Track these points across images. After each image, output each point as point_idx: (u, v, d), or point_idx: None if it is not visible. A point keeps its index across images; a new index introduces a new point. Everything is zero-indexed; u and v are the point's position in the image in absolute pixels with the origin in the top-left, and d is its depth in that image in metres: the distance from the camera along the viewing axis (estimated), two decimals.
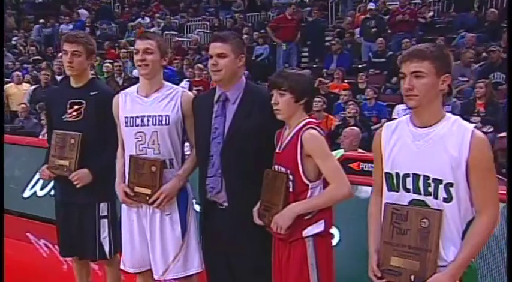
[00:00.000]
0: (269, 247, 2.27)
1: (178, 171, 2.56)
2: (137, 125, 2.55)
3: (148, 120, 2.54)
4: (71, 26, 15.28)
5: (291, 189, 2.16)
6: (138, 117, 2.56)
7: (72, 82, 2.90)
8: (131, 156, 2.57)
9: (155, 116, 2.54)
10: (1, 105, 2.53)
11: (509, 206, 1.86)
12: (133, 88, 2.67)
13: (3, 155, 2.67)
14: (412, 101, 1.85)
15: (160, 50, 2.55)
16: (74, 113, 2.81)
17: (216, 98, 2.40)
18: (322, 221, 2.16)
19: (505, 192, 2.81)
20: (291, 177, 2.15)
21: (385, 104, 7.75)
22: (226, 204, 2.37)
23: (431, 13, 10.81)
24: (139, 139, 2.55)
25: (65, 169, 2.82)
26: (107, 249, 2.88)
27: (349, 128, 5.43)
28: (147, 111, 2.55)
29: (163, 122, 2.53)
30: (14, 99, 9.92)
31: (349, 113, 6.71)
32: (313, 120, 2.25)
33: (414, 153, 1.88)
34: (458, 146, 1.81)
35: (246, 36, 11.72)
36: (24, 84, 10.45)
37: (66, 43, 2.81)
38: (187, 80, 10.21)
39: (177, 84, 9.62)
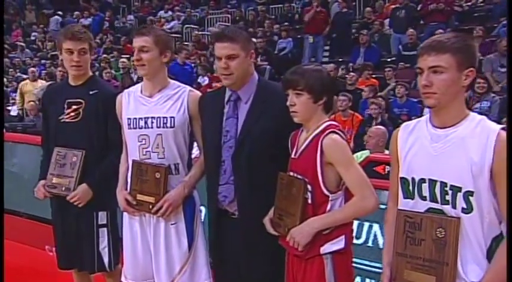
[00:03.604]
0: (282, 259, 2.18)
1: (185, 178, 2.49)
2: (140, 128, 2.48)
3: (152, 122, 2.47)
4: (90, 20, 15.61)
5: (309, 201, 2.03)
6: (141, 118, 2.49)
7: (71, 80, 2.84)
8: (134, 162, 2.51)
9: (159, 117, 2.47)
10: (1, 106, 2.52)
11: (509, 206, 1.75)
12: (137, 87, 2.60)
13: (3, 155, 2.66)
14: (431, 100, 1.76)
15: (158, 46, 2.46)
16: (72, 114, 2.75)
17: (226, 98, 2.33)
18: (343, 236, 2.04)
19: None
20: (309, 187, 2.03)
21: (416, 100, 7.57)
22: (237, 213, 2.30)
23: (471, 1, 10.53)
24: (143, 142, 2.48)
25: (64, 188, 2.75)
26: (106, 260, 2.82)
27: (375, 127, 5.32)
28: (150, 113, 2.48)
29: (168, 125, 2.46)
30: (28, 96, 10.16)
31: (373, 109, 6.56)
32: (334, 122, 2.12)
33: (431, 157, 1.80)
34: (481, 149, 1.71)
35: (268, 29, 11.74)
36: (39, 80, 10.69)
37: (70, 41, 2.71)
38: (206, 75, 10.24)
39: (195, 80, 9.77)
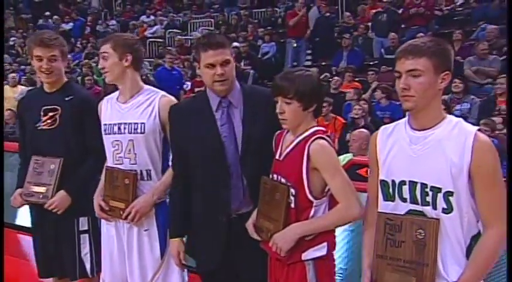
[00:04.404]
0: None
1: (156, 184, 2.51)
2: (114, 133, 2.54)
3: (124, 128, 2.52)
4: (70, 25, 15.49)
5: (292, 205, 2.02)
6: (115, 124, 2.54)
7: (46, 87, 2.84)
8: (106, 168, 2.56)
9: (131, 123, 2.51)
10: (1, 106, 2.52)
11: (509, 207, 1.80)
12: (115, 94, 2.64)
13: (3, 155, 2.64)
14: (409, 103, 1.79)
15: (116, 51, 2.50)
16: (49, 121, 2.74)
17: (215, 105, 2.30)
18: (325, 243, 2.04)
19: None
20: (293, 191, 2.01)
21: (399, 103, 7.65)
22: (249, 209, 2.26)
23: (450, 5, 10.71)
24: (116, 148, 2.53)
25: (41, 196, 2.74)
26: (88, 266, 2.80)
27: (358, 130, 5.35)
28: (123, 119, 2.53)
29: (139, 130, 2.50)
30: (8, 102, 10.02)
31: (356, 114, 6.62)
32: (322, 128, 2.10)
33: (411, 159, 1.83)
34: (460, 150, 1.75)
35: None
36: (19, 86, 10.55)
37: (39, 48, 2.71)
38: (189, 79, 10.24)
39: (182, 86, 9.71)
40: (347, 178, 2.03)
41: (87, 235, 2.80)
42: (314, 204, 2.02)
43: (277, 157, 2.13)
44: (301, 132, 2.06)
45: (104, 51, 2.52)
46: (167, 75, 9.82)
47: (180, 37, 13.32)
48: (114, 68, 2.51)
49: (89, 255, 2.80)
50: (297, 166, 2.01)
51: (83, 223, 2.79)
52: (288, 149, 2.08)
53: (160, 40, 13.87)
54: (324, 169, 1.99)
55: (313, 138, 2.02)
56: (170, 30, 14.30)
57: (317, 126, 2.09)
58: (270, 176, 2.13)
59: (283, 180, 2.06)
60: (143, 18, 15.40)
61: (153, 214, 2.52)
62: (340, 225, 2.09)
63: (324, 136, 2.03)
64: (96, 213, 2.61)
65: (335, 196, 2.01)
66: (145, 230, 2.52)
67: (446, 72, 1.80)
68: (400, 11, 10.30)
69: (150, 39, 13.87)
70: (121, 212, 2.50)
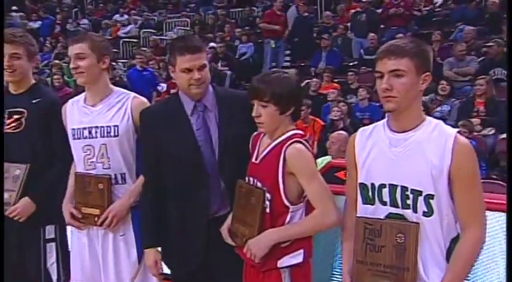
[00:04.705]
0: None
1: (131, 187, 2.50)
2: (85, 138, 2.50)
3: (96, 132, 2.49)
4: (38, 24, 15.21)
5: (268, 210, 2.01)
6: (85, 128, 2.51)
7: (11, 88, 2.77)
8: (76, 174, 2.53)
9: (103, 127, 2.49)
10: (1, 105, 2.46)
11: (509, 210, 1.83)
12: (81, 96, 2.60)
13: (3, 156, 2.56)
14: (391, 104, 1.80)
15: (95, 52, 2.47)
16: (13, 124, 2.67)
17: (190, 109, 2.31)
18: (301, 250, 2.03)
19: (505, 200, 2.78)
20: (268, 196, 2.00)
21: (378, 104, 7.74)
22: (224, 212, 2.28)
23: (429, 5, 10.88)
24: (88, 153, 2.50)
25: (4, 203, 2.67)
26: (54, 277, 2.74)
27: (337, 132, 5.37)
28: (94, 122, 2.50)
29: (112, 134, 2.48)
30: None
31: (335, 115, 6.66)
32: (300, 131, 2.10)
33: (391, 161, 1.84)
34: (440, 153, 1.77)
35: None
36: None
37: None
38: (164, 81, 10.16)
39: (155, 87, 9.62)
40: (324, 184, 2.02)
41: (53, 244, 2.74)
42: (290, 210, 2.01)
43: (253, 160, 2.12)
44: (278, 135, 2.05)
45: (80, 51, 2.45)
46: (138, 76, 9.71)
47: (154, 37, 13.21)
48: (91, 69, 2.48)
49: (55, 265, 2.74)
50: (273, 170, 2.00)
51: (50, 231, 2.73)
52: (264, 152, 2.07)
53: (135, 40, 13.74)
54: (300, 174, 1.98)
55: (289, 142, 2.01)
56: (145, 30, 14.17)
57: (295, 129, 2.08)
58: (246, 178, 2.12)
59: (259, 184, 2.05)
60: (116, 17, 15.22)
61: (129, 218, 2.50)
62: (316, 232, 2.08)
63: (301, 140, 2.02)
64: (66, 221, 2.57)
65: (311, 202, 2.00)
66: (122, 235, 2.51)
67: (427, 73, 1.82)
68: (379, 11, 10.42)
69: (124, 39, 13.73)
70: (96, 219, 2.48)
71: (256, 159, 2.11)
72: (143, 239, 2.42)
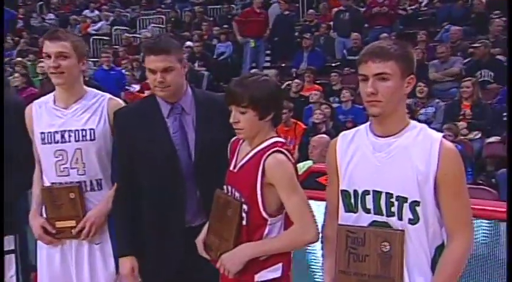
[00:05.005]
0: None
1: (108, 192, 2.48)
2: (56, 142, 2.47)
3: (69, 136, 2.46)
4: None
5: (244, 222, 2.00)
6: (57, 132, 2.47)
7: None
8: (42, 189, 2.49)
9: (77, 130, 2.46)
10: (1, 105, 2.40)
11: (509, 205, 1.85)
12: (49, 98, 2.55)
13: (3, 155, 2.50)
14: (376, 108, 1.82)
15: (76, 52, 2.46)
16: None
17: (166, 111, 2.32)
18: (280, 264, 2.01)
19: (494, 207, 2.83)
20: (245, 207, 1.98)
21: (362, 106, 7.81)
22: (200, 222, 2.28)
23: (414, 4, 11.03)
24: (60, 158, 2.46)
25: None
26: None
27: (318, 136, 5.40)
28: (67, 126, 2.47)
29: (88, 137, 2.46)
30: None
31: (317, 118, 6.70)
32: (282, 139, 2.07)
33: (374, 167, 1.85)
34: (425, 158, 1.79)
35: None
36: None
37: None
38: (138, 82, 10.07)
39: (125, 88, 9.52)
40: (304, 198, 2.00)
41: (13, 255, 2.70)
42: (268, 222, 1.99)
43: (231, 168, 2.10)
44: (258, 143, 2.03)
45: (63, 50, 2.42)
46: (105, 76, 9.56)
47: (127, 35, 13.13)
48: (72, 70, 2.46)
49: (14, 278, 2.70)
50: (251, 180, 1.98)
51: (9, 242, 2.68)
52: (243, 161, 2.05)
53: (106, 38, 13.61)
54: (279, 186, 1.96)
55: (270, 151, 1.98)
56: (117, 27, 14.06)
57: (276, 136, 2.06)
58: (224, 187, 2.11)
59: (236, 193, 2.04)
60: (86, 12, 15.03)
61: (106, 226, 2.48)
62: (294, 249, 2.07)
63: (282, 149, 1.99)
64: (36, 237, 2.52)
65: (290, 216, 1.99)
66: (97, 244, 2.48)
67: (411, 76, 1.85)
68: (362, 10, 10.52)
69: (95, 37, 13.59)
70: (72, 231, 2.45)
71: (234, 167, 2.09)
72: (117, 246, 2.41)
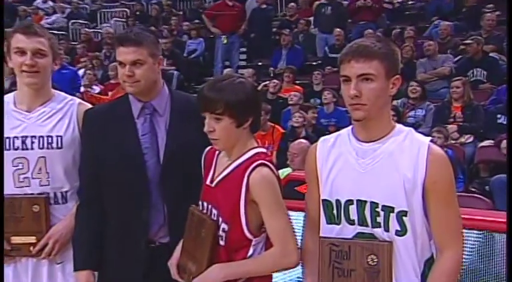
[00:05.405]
0: None
1: (75, 206, 2.44)
2: (16, 149, 2.42)
3: (32, 143, 2.42)
4: None
5: (222, 243, 1.97)
6: (17, 138, 2.42)
7: None
8: (1, 198, 2.42)
9: (42, 137, 2.42)
10: (1, 105, 2.36)
11: (509, 207, 1.89)
12: (8, 99, 2.51)
13: (3, 155, 2.46)
14: (360, 112, 1.84)
15: (53, 50, 2.46)
16: None
17: (137, 111, 2.32)
18: None
19: (488, 217, 2.87)
20: (225, 226, 1.96)
21: (345, 109, 7.86)
22: (167, 239, 2.27)
23: None
24: (20, 167, 2.41)
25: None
26: None
27: (297, 141, 5.43)
28: (30, 131, 2.43)
29: (54, 145, 2.43)
30: None
31: (296, 122, 6.74)
32: (263, 150, 2.07)
33: (358, 174, 1.88)
34: (413, 164, 1.82)
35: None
36: None
37: None
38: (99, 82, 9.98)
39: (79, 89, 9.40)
40: (287, 219, 2.00)
41: None
42: (253, 243, 1.98)
43: (208, 182, 2.08)
44: (239, 154, 2.01)
45: (41, 47, 2.41)
46: (56, 76, 9.43)
47: (87, 30, 13.02)
48: (47, 69, 2.45)
49: None
50: (233, 197, 1.96)
51: None
52: (222, 174, 2.03)
53: (62, 32, 13.45)
54: (263, 204, 1.95)
55: (254, 164, 1.95)
56: (74, 20, 13.92)
57: (257, 147, 2.06)
58: (200, 203, 2.09)
59: (214, 211, 2.02)
60: (38, 3, 14.81)
61: (70, 245, 2.42)
62: (272, 272, 2.06)
63: (266, 162, 1.98)
64: None
65: (271, 237, 1.98)
66: (59, 263, 2.43)
67: (397, 76, 1.88)
68: (346, 3, 10.60)
69: (49, 31, 13.38)
70: (31, 248, 2.40)
71: (211, 181, 2.07)
72: (74, 260, 2.37)
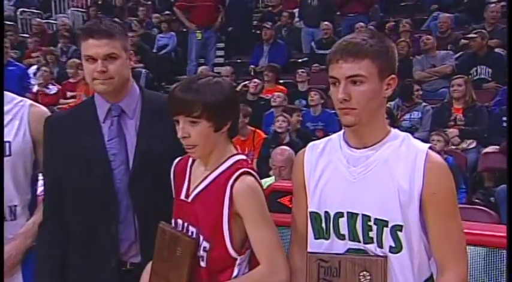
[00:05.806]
0: None
1: (26, 224, 2.46)
2: None
3: None
4: None
5: (203, 264, 1.97)
6: None
7: None
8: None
9: None
10: (1, 105, 2.35)
11: (509, 209, 1.92)
12: None
13: (3, 155, 2.47)
14: (350, 117, 1.85)
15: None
16: None
17: (103, 114, 2.31)
18: None
19: (493, 231, 2.89)
20: (206, 245, 1.96)
21: (334, 111, 7.85)
22: (139, 258, 2.25)
23: None
24: None
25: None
26: None
27: (279, 149, 5.43)
28: None
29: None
30: None
31: (279, 126, 6.76)
32: (244, 156, 2.08)
33: (349, 184, 1.90)
34: (409, 173, 1.84)
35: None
36: None
37: None
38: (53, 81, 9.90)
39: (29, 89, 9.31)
40: (275, 232, 2.00)
41: None
42: (238, 262, 1.99)
43: (182, 197, 2.07)
44: (217, 163, 2.02)
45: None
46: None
47: (39, 20, 12.90)
48: None
49: None
50: (215, 212, 1.96)
51: None
52: (200, 187, 2.03)
53: (9, 23, 13.26)
54: (248, 217, 1.96)
55: (237, 173, 1.96)
56: (24, 9, 13.78)
57: (237, 154, 2.06)
58: (173, 221, 2.08)
59: (192, 229, 2.01)
60: None
61: (19, 267, 2.45)
62: None
63: (249, 170, 1.99)
64: None
65: (257, 254, 1.98)
66: None
67: (392, 76, 1.89)
68: None
69: None
70: None
71: (187, 196, 2.06)
72: None
